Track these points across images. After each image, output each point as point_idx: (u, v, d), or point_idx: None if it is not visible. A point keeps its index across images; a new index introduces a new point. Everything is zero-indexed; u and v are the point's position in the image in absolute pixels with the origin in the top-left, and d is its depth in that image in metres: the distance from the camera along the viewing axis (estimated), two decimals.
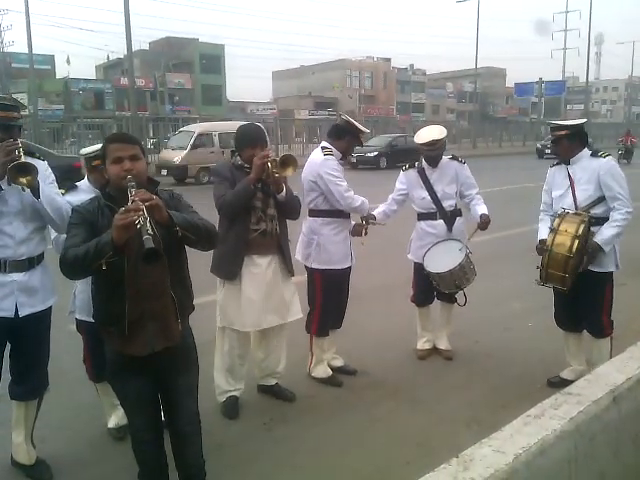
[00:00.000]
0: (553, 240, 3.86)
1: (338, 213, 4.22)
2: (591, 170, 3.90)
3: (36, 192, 2.91)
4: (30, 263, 3.03)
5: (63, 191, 3.38)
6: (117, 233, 2.27)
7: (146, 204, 2.29)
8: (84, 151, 3.54)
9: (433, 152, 4.62)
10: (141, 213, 2.25)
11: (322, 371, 4.40)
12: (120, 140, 2.59)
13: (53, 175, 3.19)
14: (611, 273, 4.00)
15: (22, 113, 3.18)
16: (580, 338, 4.23)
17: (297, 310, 3.99)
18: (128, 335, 2.47)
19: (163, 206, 2.38)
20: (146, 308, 2.48)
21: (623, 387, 2.32)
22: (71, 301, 3.54)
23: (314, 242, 4.21)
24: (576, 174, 3.98)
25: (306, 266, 4.33)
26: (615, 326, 4.09)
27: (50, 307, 3.20)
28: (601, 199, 3.90)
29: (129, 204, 2.31)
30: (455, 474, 1.71)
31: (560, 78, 51.18)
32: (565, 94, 53.90)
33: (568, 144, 4.00)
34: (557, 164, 4.16)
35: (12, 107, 2.98)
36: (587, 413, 2.11)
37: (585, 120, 4.38)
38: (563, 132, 4.01)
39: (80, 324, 3.52)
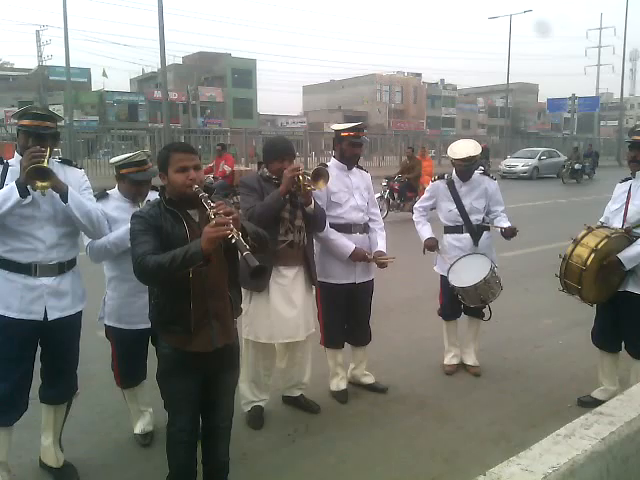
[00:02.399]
0: (572, 251, 3.81)
1: (337, 227, 4.11)
2: None
3: (64, 196, 2.95)
4: (60, 268, 3.07)
5: (94, 199, 3.42)
6: (208, 244, 2.39)
7: (231, 217, 2.41)
8: (113, 160, 3.60)
9: (468, 167, 4.59)
10: (232, 227, 2.38)
11: (334, 384, 4.35)
12: (185, 150, 2.71)
13: (88, 183, 3.26)
14: None
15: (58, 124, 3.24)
16: (616, 358, 4.11)
17: (311, 325, 3.96)
18: (194, 332, 2.60)
19: (239, 218, 2.51)
20: (210, 307, 2.64)
21: None
22: (101, 307, 3.59)
23: (316, 252, 4.15)
24: (635, 190, 3.84)
25: None
26: None
27: (80, 312, 3.23)
28: None
29: (211, 215, 2.44)
30: None
31: (593, 94, 50.43)
32: (599, 110, 53.08)
33: None
34: (624, 180, 3.99)
35: (45, 117, 3.04)
36: (620, 434, 2.06)
37: None
38: None
39: (109, 330, 3.57)
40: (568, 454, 1.89)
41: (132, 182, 3.45)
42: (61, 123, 33.62)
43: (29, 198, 2.88)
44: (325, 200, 4.07)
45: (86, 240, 3.35)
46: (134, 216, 2.66)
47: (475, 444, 3.63)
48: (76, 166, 3.31)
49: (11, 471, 3.16)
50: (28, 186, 2.84)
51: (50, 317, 3.02)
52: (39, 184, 2.81)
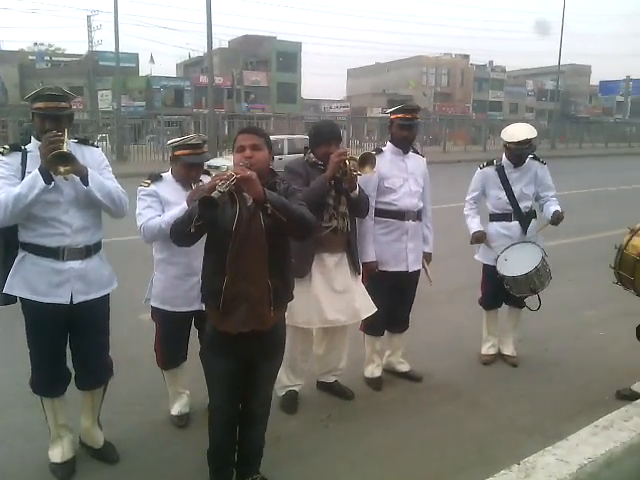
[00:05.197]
0: (629, 241, 3.70)
1: (389, 213, 4.09)
2: None
3: (84, 179, 2.93)
4: (87, 251, 3.07)
5: (149, 181, 3.48)
6: (204, 194, 2.44)
7: (237, 175, 2.46)
8: (171, 141, 3.63)
9: (524, 151, 4.50)
10: (226, 179, 2.44)
11: (369, 371, 4.37)
12: (246, 131, 2.80)
13: (107, 161, 3.23)
14: None
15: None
16: None
17: (370, 306, 3.93)
18: (222, 312, 2.66)
19: (257, 181, 2.49)
20: (242, 290, 2.63)
21: None
22: (148, 289, 3.64)
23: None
24: None
25: None
26: None
27: (107, 296, 3.23)
28: None
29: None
30: None
31: None
32: None
33: None
34: None
35: (60, 97, 2.98)
36: None
37: None
38: None
39: (155, 312, 3.63)
40: (605, 445, 1.88)
41: (184, 164, 3.46)
42: (109, 108, 34.23)
43: (53, 184, 2.86)
44: (376, 185, 4.03)
45: (139, 221, 3.38)
46: (196, 188, 2.78)
47: (509, 435, 3.61)
48: (94, 145, 3.27)
49: (73, 431, 3.31)
50: (50, 172, 2.81)
51: (75, 300, 3.03)
52: (62, 169, 2.78)
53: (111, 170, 3.23)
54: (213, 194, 2.38)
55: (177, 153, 3.49)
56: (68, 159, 2.80)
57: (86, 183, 2.94)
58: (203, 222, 2.49)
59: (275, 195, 2.59)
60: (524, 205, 4.56)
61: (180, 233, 2.63)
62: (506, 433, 3.64)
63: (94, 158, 3.12)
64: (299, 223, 2.65)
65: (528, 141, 4.44)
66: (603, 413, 2.12)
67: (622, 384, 4.16)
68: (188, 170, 3.48)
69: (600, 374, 4.49)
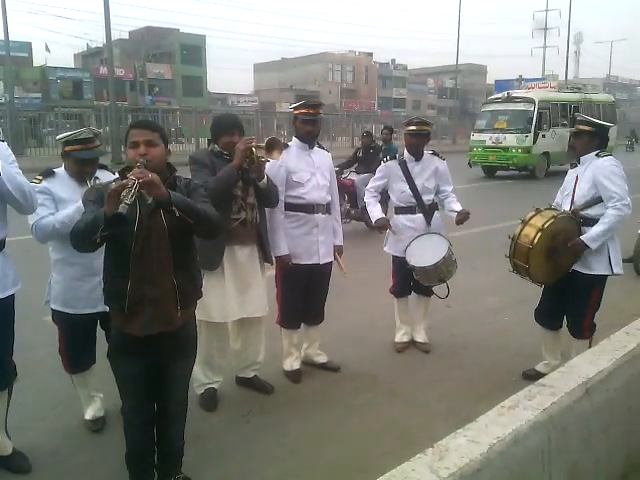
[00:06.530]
0: (521, 231, 3.94)
1: (299, 207, 4.13)
2: (591, 170, 3.88)
3: None
4: None
5: (40, 177, 3.30)
6: (107, 204, 2.36)
7: (140, 180, 2.36)
8: (59, 137, 3.47)
9: (419, 139, 4.70)
10: (129, 187, 2.33)
11: (287, 364, 4.39)
12: (139, 126, 2.70)
13: (14, 156, 3.04)
14: (602, 277, 3.95)
15: None
16: (558, 336, 4.28)
17: (265, 306, 3.97)
18: (127, 315, 2.57)
19: (160, 184, 2.44)
20: (147, 292, 2.57)
21: (595, 379, 2.37)
22: (46, 291, 3.48)
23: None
24: (582, 174, 3.95)
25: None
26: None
27: (11, 296, 3.04)
28: (597, 200, 3.86)
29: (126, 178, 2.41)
30: (431, 463, 1.74)
31: (540, 76, 51.51)
32: None
33: (588, 141, 3.95)
34: (574, 166, 4.10)
35: None
36: (560, 404, 2.16)
37: (613, 125, 4.32)
38: (586, 128, 3.98)
39: (55, 314, 3.47)
40: (512, 425, 1.97)
41: (76, 160, 3.32)
42: (1, 100, 32.04)
43: None
44: (284, 179, 4.05)
45: (30, 220, 3.20)
46: (92, 188, 2.69)
47: (425, 419, 3.74)
48: (0, 140, 3.09)
49: None
50: None
51: None
52: None
53: (18, 166, 3.02)
54: (120, 209, 2.28)
55: (68, 149, 3.34)
56: None
57: None
58: (109, 232, 2.40)
59: (180, 196, 2.54)
60: (426, 198, 4.74)
61: (82, 241, 2.51)
62: (422, 417, 3.76)
63: (1, 152, 2.90)
64: (205, 223, 2.63)
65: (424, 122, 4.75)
66: (511, 393, 2.23)
67: (527, 365, 4.42)
68: (82, 166, 3.34)
69: (507, 357, 4.75)
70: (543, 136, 19.44)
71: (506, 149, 19.29)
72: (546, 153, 19.55)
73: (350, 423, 3.70)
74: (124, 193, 2.32)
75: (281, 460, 3.30)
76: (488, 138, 19.88)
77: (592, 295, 3.99)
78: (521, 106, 19.70)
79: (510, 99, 20.24)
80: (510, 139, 19.27)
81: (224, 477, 3.14)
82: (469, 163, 20.06)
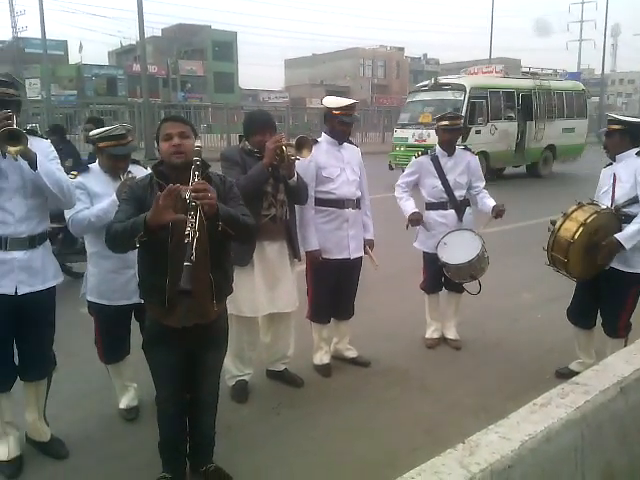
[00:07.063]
0: (562, 224, 3.86)
1: (329, 202, 4.14)
2: (632, 169, 3.81)
3: (33, 164, 2.83)
4: (31, 242, 2.98)
5: (76, 173, 3.39)
6: (153, 216, 2.40)
7: (203, 202, 2.41)
8: (92, 133, 3.55)
9: (453, 134, 4.70)
10: (192, 214, 2.36)
11: (317, 358, 4.41)
12: (171, 119, 2.76)
13: (55, 153, 3.13)
14: None
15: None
16: (591, 335, 4.20)
17: (295, 301, 4.00)
18: (167, 308, 2.62)
19: (215, 204, 2.48)
20: None
21: (630, 378, 2.32)
22: (83, 283, 3.58)
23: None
24: (620, 172, 3.89)
25: None
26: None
27: (53, 288, 3.14)
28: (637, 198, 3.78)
29: (186, 195, 2.42)
30: (461, 459, 1.73)
31: (575, 70, 50.56)
32: None
33: (619, 139, 3.90)
34: (609, 165, 4.05)
35: (8, 83, 2.94)
36: (594, 403, 2.12)
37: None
38: (617, 127, 3.93)
39: (91, 306, 3.56)
40: (544, 422, 1.95)
41: (110, 156, 3.41)
42: (38, 97, 32.82)
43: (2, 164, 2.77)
44: (314, 175, 4.06)
45: (67, 213, 3.28)
46: (124, 185, 2.70)
47: (455, 415, 3.71)
48: (42, 137, 3.20)
49: (20, 429, 3.22)
50: None
51: (20, 291, 2.94)
52: (11, 149, 2.69)
53: (59, 162, 3.12)
54: (189, 236, 2.31)
55: (101, 145, 3.43)
56: (19, 137, 2.70)
57: (34, 167, 2.83)
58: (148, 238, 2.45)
59: (225, 210, 2.57)
60: (458, 194, 4.70)
61: (121, 245, 2.60)
62: (453, 413, 3.74)
63: (42, 149, 3.00)
64: (244, 232, 2.72)
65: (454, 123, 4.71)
66: (543, 391, 2.21)
67: (560, 363, 4.35)
68: (115, 162, 3.42)
69: (539, 354, 4.68)
70: (477, 132, 15.80)
71: (431, 148, 16.12)
72: (483, 152, 14.76)
73: (380, 418, 3.71)
74: (189, 224, 2.35)
75: (310, 453, 3.32)
76: (411, 135, 16.04)
77: (629, 294, 3.90)
78: (449, 95, 15.83)
79: (438, 86, 16.42)
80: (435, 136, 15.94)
81: (254, 468, 3.18)
82: (390, 165, 15.95)
